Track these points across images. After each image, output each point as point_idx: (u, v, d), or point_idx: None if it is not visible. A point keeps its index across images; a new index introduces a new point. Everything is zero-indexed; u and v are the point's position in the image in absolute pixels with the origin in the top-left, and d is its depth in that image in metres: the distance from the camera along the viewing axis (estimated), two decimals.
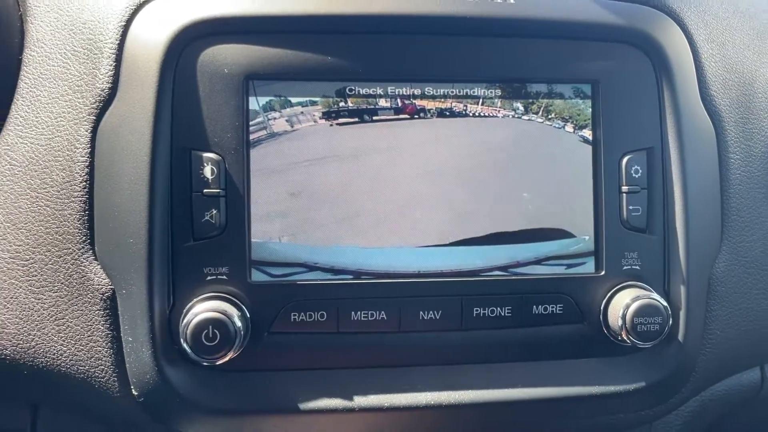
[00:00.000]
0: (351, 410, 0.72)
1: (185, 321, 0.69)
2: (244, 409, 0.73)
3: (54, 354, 0.74)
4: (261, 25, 0.72)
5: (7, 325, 0.75)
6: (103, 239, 0.72)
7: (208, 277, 0.71)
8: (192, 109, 0.71)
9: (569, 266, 0.77)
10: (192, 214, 0.71)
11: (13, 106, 0.78)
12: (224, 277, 0.71)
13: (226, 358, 0.69)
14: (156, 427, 0.75)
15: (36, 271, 0.74)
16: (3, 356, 0.76)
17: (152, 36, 0.71)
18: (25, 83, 0.78)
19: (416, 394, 0.74)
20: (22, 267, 0.74)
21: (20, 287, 0.75)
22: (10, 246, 0.75)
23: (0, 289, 0.75)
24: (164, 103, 0.70)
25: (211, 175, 0.71)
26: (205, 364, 0.70)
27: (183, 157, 0.71)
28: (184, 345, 0.69)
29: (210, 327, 0.68)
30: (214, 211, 0.71)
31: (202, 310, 0.69)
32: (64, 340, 0.74)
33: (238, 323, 0.69)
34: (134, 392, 0.72)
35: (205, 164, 0.71)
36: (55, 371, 0.75)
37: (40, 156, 0.74)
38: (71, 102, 0.74)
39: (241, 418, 0.73)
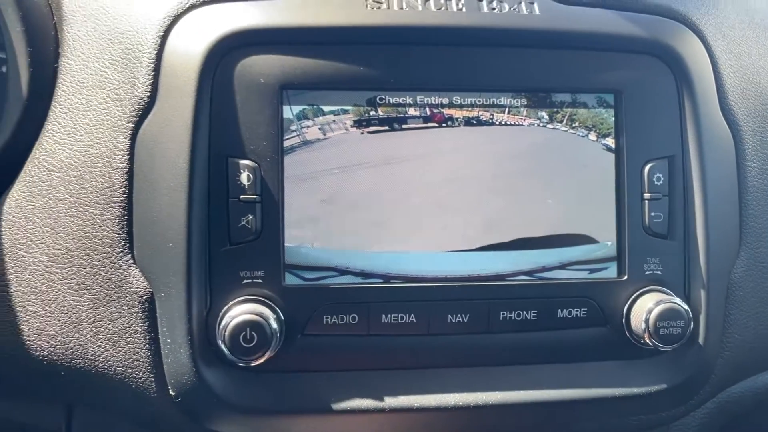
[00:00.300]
0: (381, 411, 0.74)
1: (223, 323, 0.71)
2: (278, 409, 0.74)
3: (91, 355, 0.76)
4: (296, 36, 0.74)
5: (45, 327, 0.77)
6: (142, 243, 0.74)
7: (245, 281, 0.73)
8: (229, 118, 0.73)
9: (592, 271, 0.79)
10: (229, 220, 0.73)
11: (50, 113, 0.80)
12: (260, 280, 0.73)
13: (262, 360, 0.71)
14: (190, 426, 0.77)
15: (74, 274, 0.76)
16: (41, 357, 0.78)
17: (190, 46, 0.73)
18: (63, 91, 0.80)
19: (445, 395, 0.75)
20: (61, 270, 0.76)
21: (58, 290, 0.77)
22: (49, 249, 0.77)
23: (38, 292, 0.77)
24: (202, 111, 0.72)
25: (248, 181, 0.73)
26: (240, 365, 0.72)
27: (220, 164, 0.73)
28: (222, 346, 0.70)
29: (248, 329, 0.70)
30: (251, 217, 0.73)
31: (239, 312, 0.71)
32: (101, 342, 0.76)
33: (274, 325, 0.71)
34: (171, 393, 0.73)
35: (242, 171, 0.73)
36: (92, 372, 0.77)
37: (79, 162, 0.76)
38: (110, 110, 0.76)
39: (274, 417, 0.75)
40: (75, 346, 0.77)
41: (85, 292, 0.76)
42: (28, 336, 0.78)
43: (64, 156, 0.77)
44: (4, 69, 1.03)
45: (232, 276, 0.73)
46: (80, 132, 0.77)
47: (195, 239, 0.72)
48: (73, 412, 0.86)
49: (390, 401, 0.75)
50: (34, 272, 0.77)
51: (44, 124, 0.81)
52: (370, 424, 0.77)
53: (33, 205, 0.78)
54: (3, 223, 0.79)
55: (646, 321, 0.76)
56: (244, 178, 0.73)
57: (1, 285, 0.79)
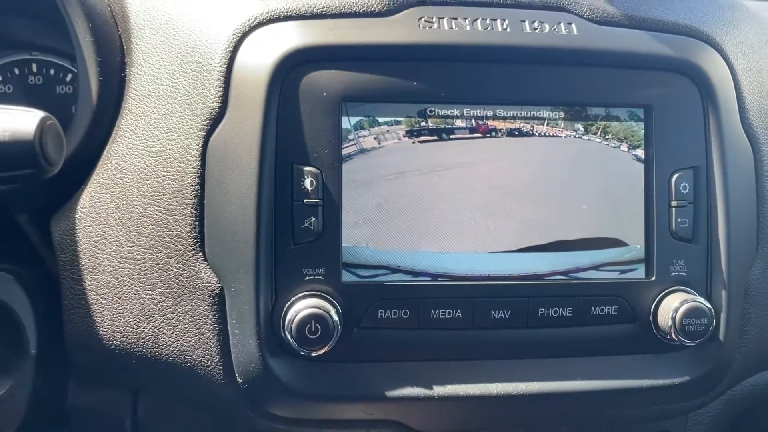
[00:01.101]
0: (430, 398, 0.81)
1: (289, 316, 0.77)
2: (336, 396, 0.81)
3: (162, 345, 0.82)
4: (355, 52, 0.81)
5: (119, 319, 0.83)
6: (213, 242, 0.80)
7: (307, 277, 0.79)
8: (294, 128, 0.79)
9: (623, 272, 0.86)
10: (293, 221, 0.79)
11: (122, 120, 0.86)
12: (320, 277, 0.79)
13: (324, 350, 0.77)
14: (251, 412, 0.83)
15: (147, 270, 0.82)
16: (113, 346, 0.84)
17: (259, 61, 0.80)
18: (133, 99, 0.86)
19: (488, 384, 0.82)
20: (134, 266, 0.83)
21: (132, 284, 0.83)
22: (123, 247, 0.83)
23: (112, 286, 0.84)
24: (270, 121, 0.79)
25: (311, 186, 0.79)
26: (302, 353, 0.78)
27: (286, 170, 0.79)
28: (289, 337, 0.77)
29: (312, 321, 0.76)
30: (313, 219, 0.80)
31: (303, 306, 0.77)
32: (172, 333, 0.82)
33: (335, 318, 0.77)
34: (239, 380, 0.80)
35: (306, 177, 0.79)
36: (163, 360, 0.83)
37: (152, 166, 0.83)
38: (182, 119, 0.82)
39: (332, 403, 0.81)
40: (147, 336, 0.83)
41: (157, 286, 0.82)
42: (102, 327, 0.84)
43: (137, 160, 0.84)
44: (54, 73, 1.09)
45: (296, 273, 0.79)
46: (152, 138, 0.83)
47: (263, 239, 0.78)
48: (138, 398, 0.92)
49: (438, 390, 0.81)
50: (108, 268, 0.84)
51: (114, 130, 0.87)
52: (419, 410, 0.83)
53: (106, 206, 0.84)
54: (78, 222, 0.85)
55: (673, 318, 0.82)
56: (307, 183, 0.80)
57: (77, 279, 0.85)
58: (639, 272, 0.86)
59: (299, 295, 0.79)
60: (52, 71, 1.11)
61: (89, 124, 0.88)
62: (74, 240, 0.85)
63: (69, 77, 1.10)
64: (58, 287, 0.87)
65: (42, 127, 0.67)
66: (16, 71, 1.10)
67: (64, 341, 0.87)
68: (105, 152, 0.87)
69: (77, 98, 0.91)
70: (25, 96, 1.11)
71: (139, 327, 0.83)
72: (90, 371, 0.88)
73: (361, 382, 0.81)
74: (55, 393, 0.89)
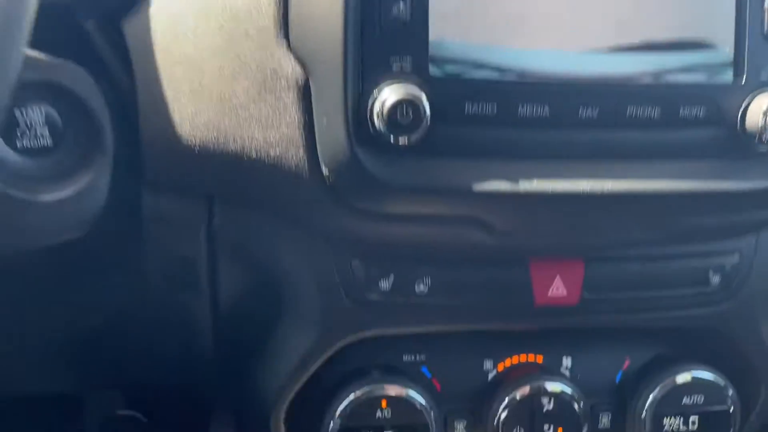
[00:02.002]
0: (515, 195, 0.80)
1: (379, 102, 0.75)
2: (421, 188, 0.80)
3: (244, 140, 0.81)
4: None
5: (198, 115, 0.82)
6: (298, 30, 0.77)
7: (394, 66, 0.77)
8: None
9: (711, 74, 0.84)
10: (380, 7, 0.77)
11: None
12: (408, 66, 0.77)
13: (414, 137, 0.76)
14: (333, 211, 0.83)
15: (228, 61, 0.80)
16: (192, 145, 0.83)
17: None
18: None
19: (573, 182, 0.81)
20: (214, 59, 0.80)
21: (211, 78, 0.81)
22: (201, 42, 0.81)
23: (191, 82, 0.82)
24: None
25: None
26: (391, 140, 0.76)
27: None
28: (379, 123, 0.75)
29: (404, 105, 0.74)
30: (401, 6, 0.77)
31: (393, 92, 0.75)
32: (255, 126, 0.80)
33: (426, 105, 0.76)
34: (325, 171, 0.79)
35: None
36: (244, 158, 0.81)
37: None
38: None
39: (417, 195, 0.81)
40: (228, 131, 0.81)
41: (239, 78, 0.79)
42: (181, 125, 0.82)
43: None
44: None
45: (383, 61, 0.77)
46: None
47: (351, 25, 0.75)
48: (214, 205, 0.91)
49: (524, 185, 0.80)
50: (185, 64, 0.81)
51: None
52: (503, 207, 0.83)
53: (181, 2, 0.82)
54: (152, 21, 0.83)
55: (764, 119, 0.81)
56: None
57: (153, 78, 0.83)
58: (728, 76, 0.84)
59: (387, 83, 0.77)
60: None
61: None
62: (149, 39, 0.83)
63: None
64: (132, 97, 0.85)
65: None
66: None
67: (139, 145, 0.85)
68: None
69: None
70: None
71: (220, 122, 0.81)
72: (166, 175, 0.87)
73: (446, 175, 0.80)
74: (129, 197, 0.88)
